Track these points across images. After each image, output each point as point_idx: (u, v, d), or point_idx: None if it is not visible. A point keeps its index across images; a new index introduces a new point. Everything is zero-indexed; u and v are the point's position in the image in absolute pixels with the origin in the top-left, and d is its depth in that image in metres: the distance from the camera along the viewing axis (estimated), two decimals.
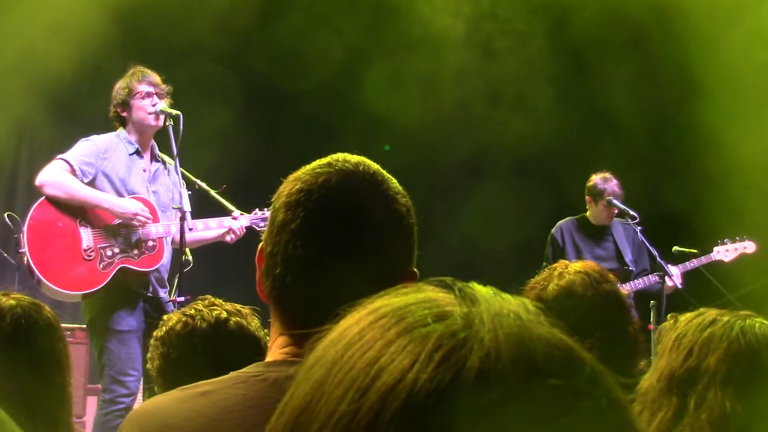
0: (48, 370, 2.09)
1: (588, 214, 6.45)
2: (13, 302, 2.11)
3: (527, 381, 0.61)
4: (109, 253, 4.73)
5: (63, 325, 5.30)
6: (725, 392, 1.66)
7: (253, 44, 7.63)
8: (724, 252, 6.25)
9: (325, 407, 0.64)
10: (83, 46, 6.03)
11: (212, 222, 4.84)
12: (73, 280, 4.62)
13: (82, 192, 4.69)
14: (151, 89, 4.85)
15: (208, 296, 2.45)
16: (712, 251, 6.26)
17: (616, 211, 6.31)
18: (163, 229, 4.77)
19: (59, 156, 4.78)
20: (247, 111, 7.58)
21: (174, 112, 4.77)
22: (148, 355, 2.41)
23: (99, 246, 4.73)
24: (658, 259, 6.03)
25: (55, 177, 4.69)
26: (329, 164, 1.48)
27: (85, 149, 4.81)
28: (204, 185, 4.97)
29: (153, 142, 4.98)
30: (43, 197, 4.72)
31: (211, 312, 2.35)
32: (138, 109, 4.84)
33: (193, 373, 1.78)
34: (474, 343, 0.62)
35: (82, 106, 7.62)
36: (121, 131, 4.93)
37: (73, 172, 4.72)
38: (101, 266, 4.71)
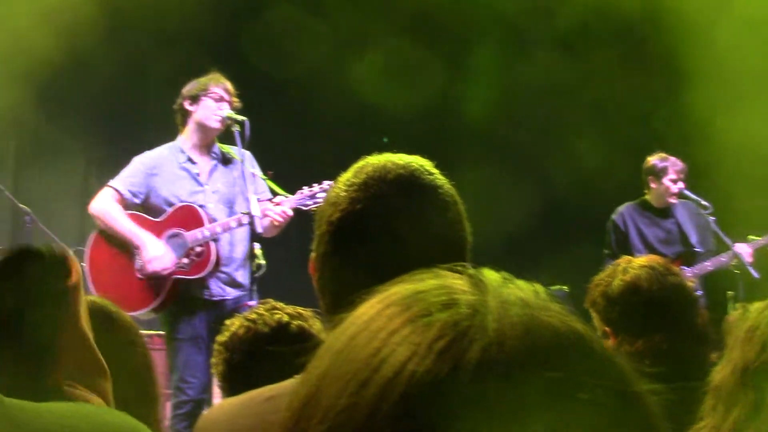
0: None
1: (648, 197, 6.29)
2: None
3: (528, 373, 0.59)
4: None
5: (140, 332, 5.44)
6: None
7: (244, 31, 7.53)
8: None
9: (326, 400, 0.62)
10: (71, 33, 5.99)
11: (232, 222, 4.81)
12: (130, 301, 4.69)
13: (120, 226, 4.83)
14: (225, 95, 4.91)
15: (270, 300, 2.46)
16: None
17: (681, 187, 6.16)
18: (209, 231, 4.78)
19: (109, 182, 4.93)
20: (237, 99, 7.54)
21: (240, 117, 4.82)
22: (212, 360, 2.42)
23: (146, 266, 4.81)
24: (733, 248, 5.92)
25: (100, 208, 4.88)
26: (365, 185, 1.47)
27: (133, 170, 4.94)
28: (257, 171, 4.97)
29: (214, 143, 5.02)
30: (97, 230, 4.92)
31: (273, 315, 2.35)
32: (206, 108, 4.89)
33: (256, 378, 1.78)
34: (476, 334, 0.60)
35: (70, 94, 7.64)
36: (176, 141, 5.01)
37: (122, 197, 4.87)
38: (154, 282, 4.78)
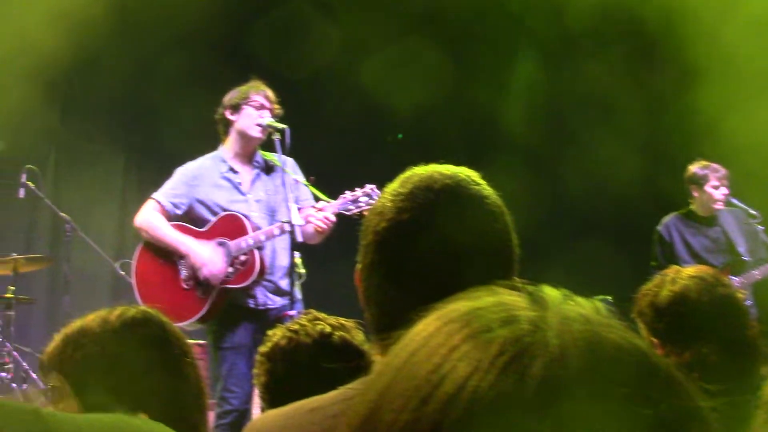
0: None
1: (693, 206, 6.21)
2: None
3: (592, 388, 0.59)
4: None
5: None
6: None
7: (252, 29, 7.56)
8: None
9: (387, 416, 0.62)
10: (80, 33, 6.02)
11: (275, 229, 4.78)
12: (176, 312, 4.65)
13: (165, 236, 4.84)
14: (266, 103, 4.90)
15: (312, 310, 2.45)
16: None
17: (725, 193, 6.08)
18: (253, 240, 4.77)
19: (152, 195, 4.95)
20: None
21: (280, 125, 4.80)
22: (254, 370, 2.41)
23: (196, 273, 4.82)
24: None
25: (144, 220, 4.90)
26: (412, 195, 1.46)
27: (174, 182, 4.96)
28: (299, 178, 4.96)
29: (257, 151, 5.02)
30: (142, 242, 4.95)
31: (315, 326, 2.34)
32: (247, 117, 4.89)
33: (298, 389, 1.78)
34: (539, 350, 0.60)
35: (79, 92, 7.72)
36: (217, 151, 5.01)
37: (164, 209, 4.89)
38: (200, 292, 4.79)
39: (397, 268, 1.44)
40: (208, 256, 4.78)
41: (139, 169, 8.28)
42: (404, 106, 7.41)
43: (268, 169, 5.01)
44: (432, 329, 0.65)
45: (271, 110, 4.90)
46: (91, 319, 1.95)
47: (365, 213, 4.57)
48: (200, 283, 4.81)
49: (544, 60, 7.86)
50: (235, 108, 4.91)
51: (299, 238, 4.55)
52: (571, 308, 0.64)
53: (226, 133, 4.99)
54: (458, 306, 0.67)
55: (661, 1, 6.80)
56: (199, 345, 5.41)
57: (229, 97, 4.95)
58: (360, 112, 7.74)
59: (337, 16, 7.72)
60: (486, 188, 1.50)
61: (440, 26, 8.00)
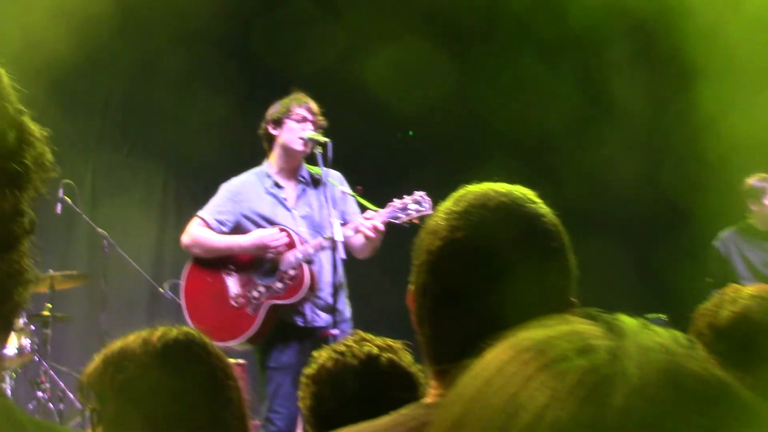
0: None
1: (751, 220, 6.08)
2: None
3: (674, 420, 0.58)
4: (255, 294, 4.77)
5: None
6: None
7: (255, 28, 7.60)
8: None
9: None
10: (84, 30, 6.02)
11: (324, 242, 4.70)
12: (226, 331, 4.66)
13: (216, 242, 4.82)
14: (308, 116, 4.86)
15: (358, 331, 2.39)
16: None
17: None
18: (301, 254, 4.71)
19: (197, 213, 4.94)
20: (249, 98, 7.24)
21: (322, 139, 4.75)
22: (299, 393, 2.35)
23: (245, 290, 4.77)
24: None
25: (192, 236, 4.87)
26: (466, 213, 1.42)
27: (219, 199, 4.94)
28: (346, 189, 4.89)
29: (302, 165, 4.97)
30: (191, 261, 4.91)
31: (362, 348, 2.28)
32: (289, 131, 4.85)
33: (345, 412, 1.74)
34: (618, 380, 0.59)
35: (84, 90, 7.73)
36: (262, 166, 4.98)
37: (209, 227, 4.87)
38: (250, 310, 4.74)
39: (452, 288, 1.40)
40: (266, 233, 4.75)
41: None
42: (411, 104, 7.43)
43: (315, 183, 4.94)
44: (505, 358, 0.64)
45: (314, 122, 4.85)
46: (132, 339, 1.90)
47: (415, 221, 4.51)
48: (250, 301, 4.74)
49: (547, 59, 7.86)
50: (278, 122, 4.88)
51: (343, 255, 4.48)
52: (649, 337, 0.63)
53: (270, 147, 4.95)
54: (531, 334, 0.65)
55: (662, 0, 6.81)
56: (239, 365, 5.34)
57: (272, 112, 4.92)
58: (363, 110, 7.74)
59: (341, 14, 7.75)
60: (542, 206, 1.47)
61: (443, 25, 8.07)
